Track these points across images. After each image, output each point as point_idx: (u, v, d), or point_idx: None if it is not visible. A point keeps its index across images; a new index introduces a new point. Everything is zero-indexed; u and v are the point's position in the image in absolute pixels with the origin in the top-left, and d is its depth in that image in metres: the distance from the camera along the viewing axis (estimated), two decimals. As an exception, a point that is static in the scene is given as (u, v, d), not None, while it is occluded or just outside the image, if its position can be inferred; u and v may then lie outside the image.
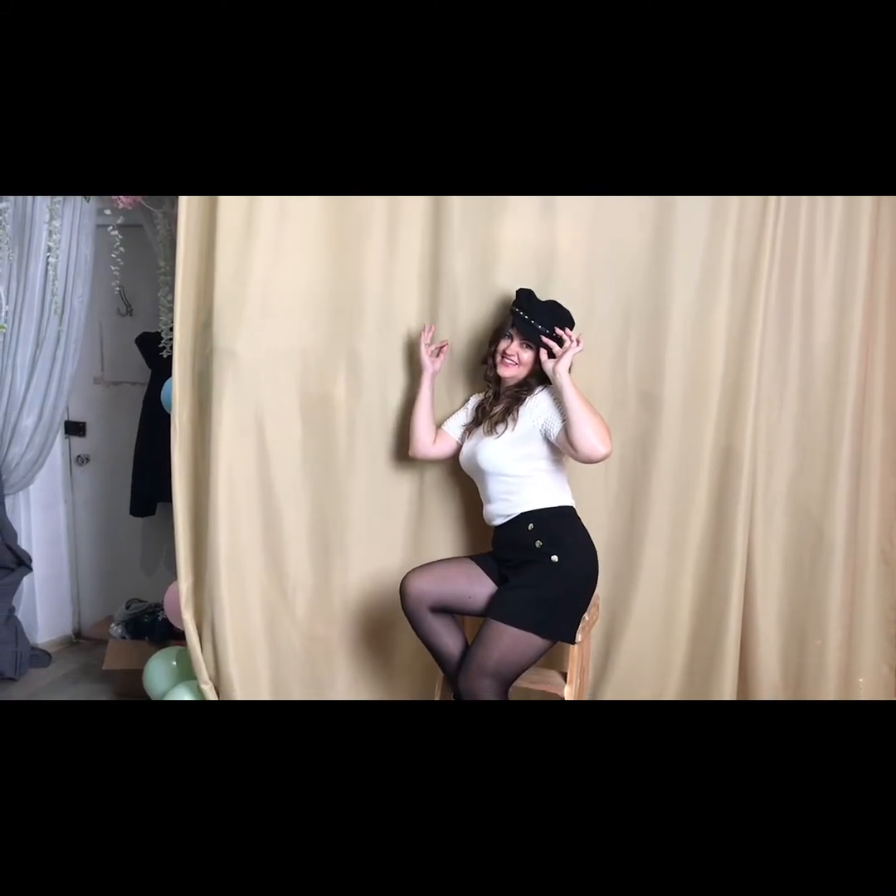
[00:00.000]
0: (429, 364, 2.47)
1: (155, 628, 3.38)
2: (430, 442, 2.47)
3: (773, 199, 2.40)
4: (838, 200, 2.43)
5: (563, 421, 2.17)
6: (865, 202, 2.41)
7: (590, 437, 2.12)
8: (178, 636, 3.27)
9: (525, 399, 2.28)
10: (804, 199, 2.45)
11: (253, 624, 2.63)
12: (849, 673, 2.55)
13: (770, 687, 2.56)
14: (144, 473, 3.68)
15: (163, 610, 3.46)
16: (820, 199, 2.44)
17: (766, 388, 2.50)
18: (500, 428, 2.26)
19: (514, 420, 2.26)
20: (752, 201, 2.41)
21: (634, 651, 2.61)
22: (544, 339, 2.23)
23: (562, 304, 2.33)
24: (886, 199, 2.44)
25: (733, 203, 2.41)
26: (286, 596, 2.67)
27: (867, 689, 2.56)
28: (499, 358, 2.32)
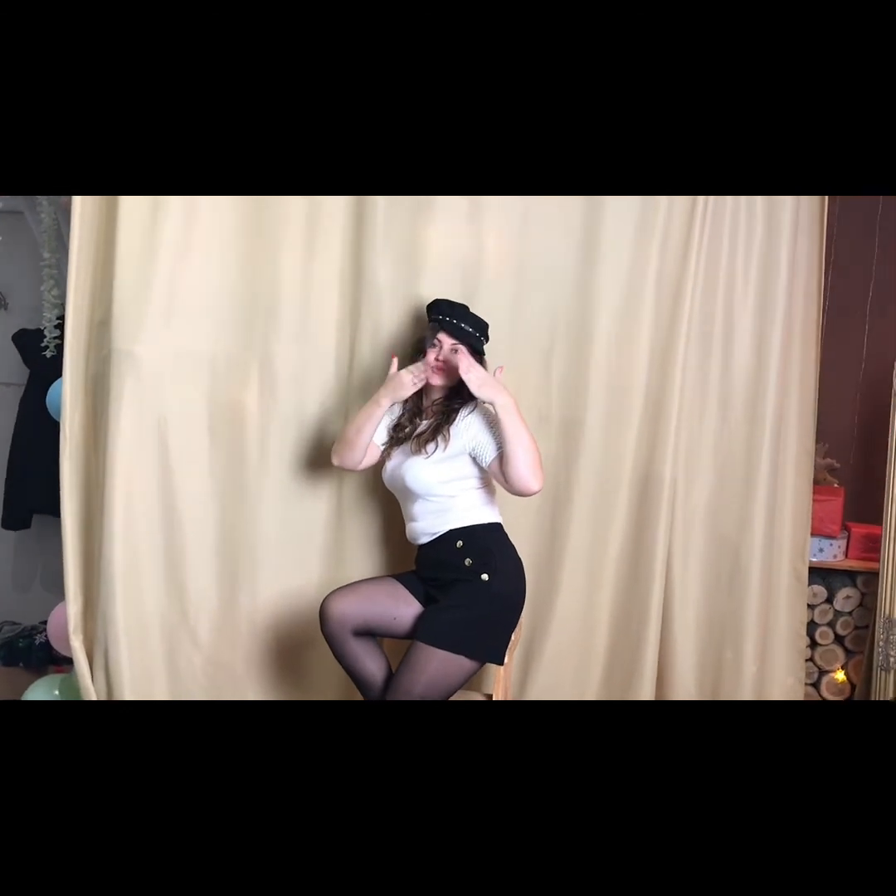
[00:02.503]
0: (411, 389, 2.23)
1: (32, 653, 3.11)
2: (363, 456, 2.30)
3: (699, 212, 2.44)
4: (759, 218, 2.50)
5: (499, 450, 2.11)
6: (785, 222, 2.49)
7: (526, 476, 2.06)
8: (59, 662, 3.01)
9: (454, 418, 2.20)
10: (727, 216, 2.51)
11: (151, 649, 2.43)
12: (761, 684, 2.60)
13: (686, 699, 2.58)
14: (20, 483, 3.38)
15: (40, 633, 3.19)
16: (742, 218, 2.51)
17: (687, 408, 2.53)
18: (429, 447, 2.17)
19: (445, 440, 2.17)
20: (679, 213, 2.44)
21: (553, 667, 2.58)
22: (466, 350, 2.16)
23: (482, 316, 2.27)
24: (803, 223, 2.52)
25: (660, 215, 2.43)
26: (188, 618, 2.48)
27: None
28: (431, 369, 2.22)
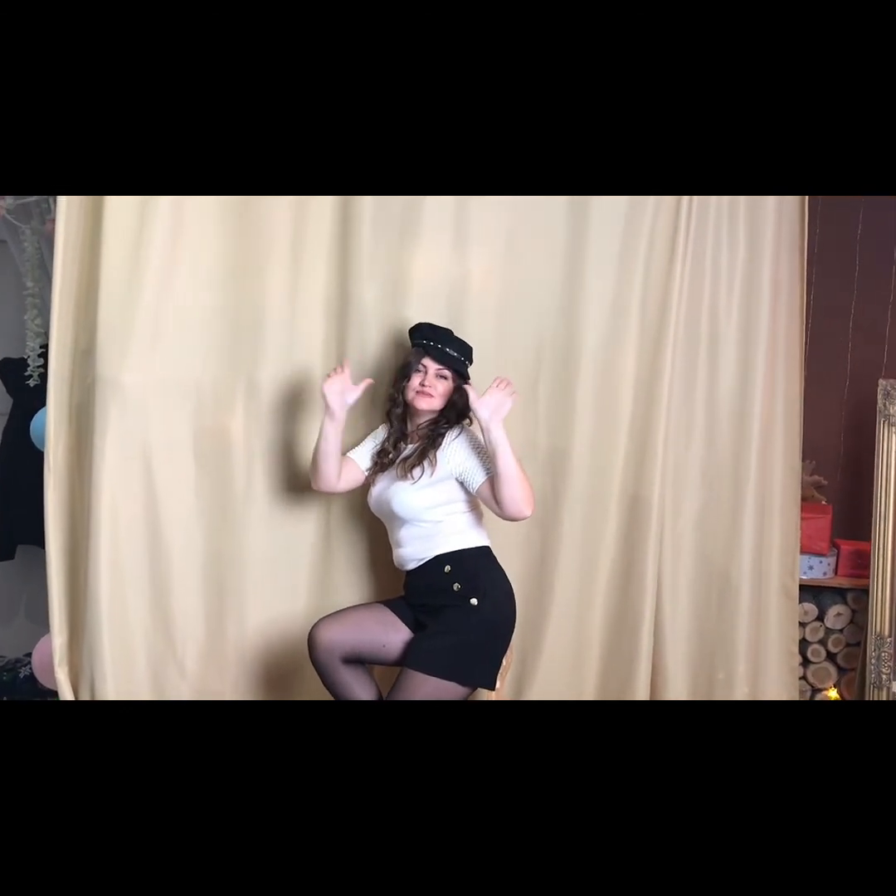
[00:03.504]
0: (338, 408, 2.19)
1: (16, 687, 3.05)
2: (335, 476, 2.28)
3: (681, 234, 2.46)
4: (741, 238, 2.52)
5: (488, 474, 2.11)
6: (767, 240, 2.52)
7: (518, 500, 2.07)
8: (44, 695, 2.96)
9: (440, 442, 2.19)
10: (710, 237, 2.53)
11: (138, 680, 2.39)
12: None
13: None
14: (3, 513, 3.33)
15: (24, 666, 3.14)
16: (724, 238, 2.53)
17: (674, 427, 2.54)
18: (415, 472, 2.15)
19: (432, 465, 2.16)
20: (660, 236, 2.46)
21: (545, 691, 2.56)
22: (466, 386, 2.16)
23: (467, 341, 2.28)
24: (785, 242, 2.54)
25: (642, 239, 2.45)
26: (175, 648, 2.44)
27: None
28: (411, 394, 2.21)
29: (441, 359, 2.19)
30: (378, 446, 2.30)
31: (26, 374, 2.96)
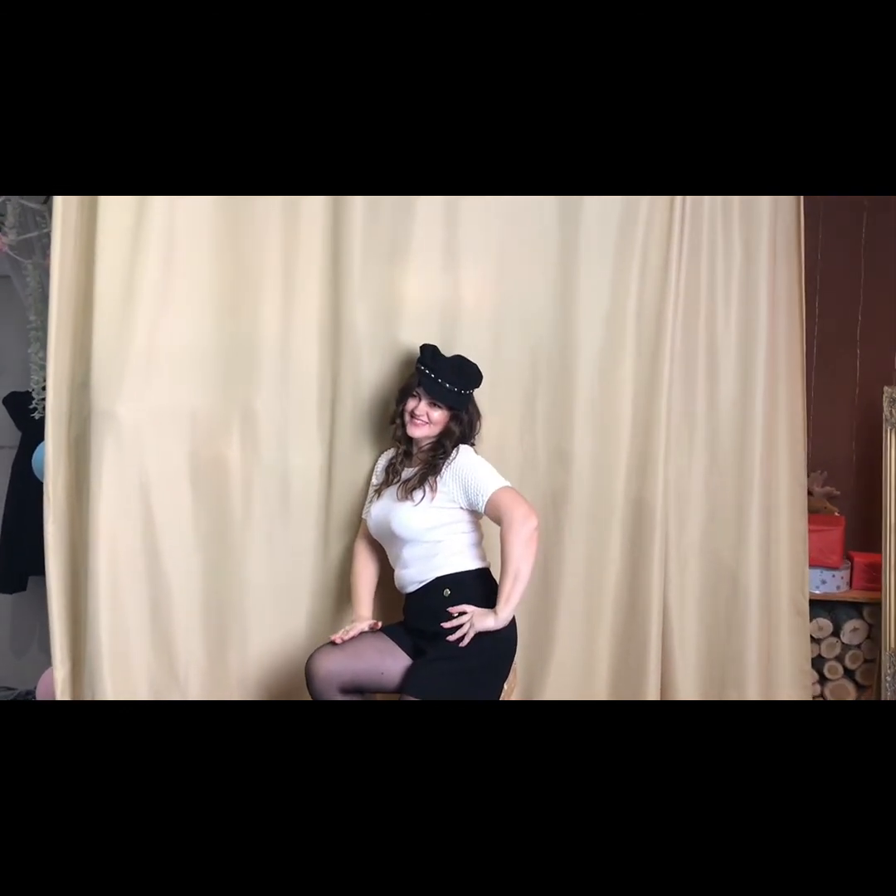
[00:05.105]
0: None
1: (26, 719, 3.04)
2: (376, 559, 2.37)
3: (675, 242, 2.43)
4: (737, 246, 2.49)
5: (488, 496, 2.12)
6: (763, 249, 2.48)
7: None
8: (54, 727, 2.96)
9: (441, 467, 2.17)
10: (704, 246, 2.49)
11: (140, 712, 2.38)
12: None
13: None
14: (14, 545, 3.37)
15: (35, 698, 3.14)
16: (720, 252, 2.49)
17: (675, 439, 2.51)
18: (416, 495, 2.14)
19: (432, 489, 2.14)
20: (655, 245, 2.43)
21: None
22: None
23: (468, 358, 2.26)
24: (781, 247, 2.51)
25: (636, 248, 2.43)
26: (178, 677, 2.43)
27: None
28: (407, 418, 2.20)
29: (431, 390, 2.17)
30: (387, 461, 2.31)
31: (31, 407, 2.99)
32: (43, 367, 2.98)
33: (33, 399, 2.97)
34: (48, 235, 2.87)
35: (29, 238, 2.95)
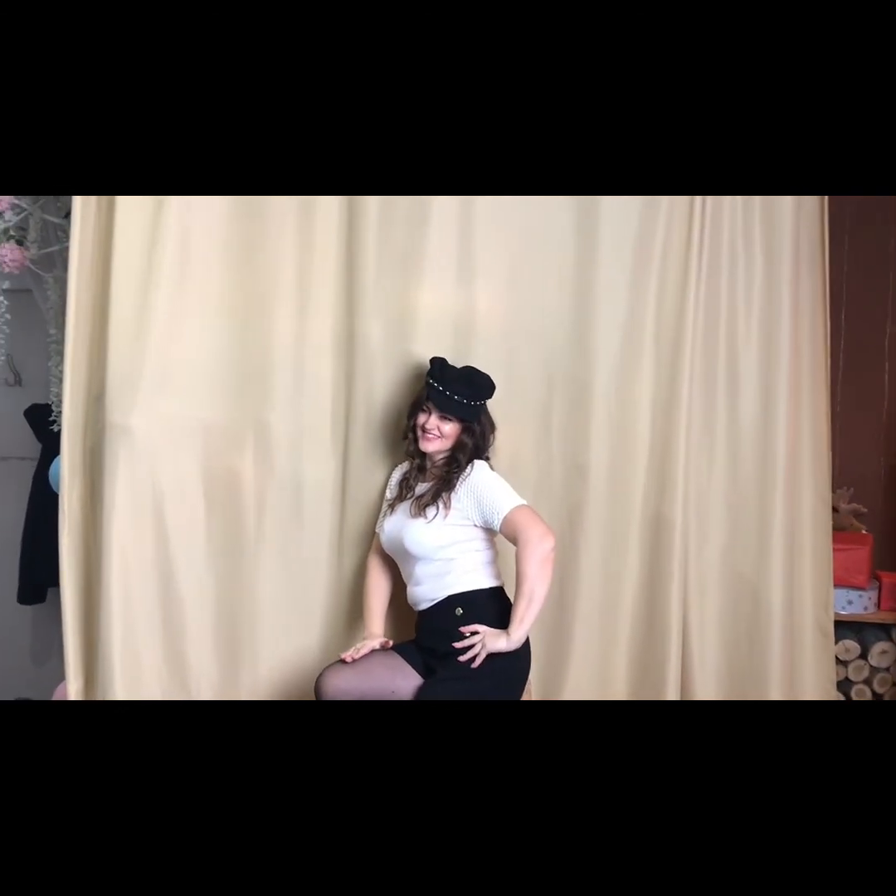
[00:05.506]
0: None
1: (43, 731, 3.05)
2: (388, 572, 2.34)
3: (695, 253, 2.38)
4: (758, 257, 2.44)
5: (505, 513, 2.09)
6: (786, 259, 2.43)
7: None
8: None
9: (456, 483, 2.14)
10: (725, 260, 2.44)
11: (152, 726, 2.37)
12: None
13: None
14: (34, 556, 3.38)
15: (52, 709, 3.15)
16: (741, 264, 2.44)
17: (695, 456, 2.46)
18: (430, 512, 2.11)
19: (446, 506, 2.11)
20: (674, 255, 2.39)
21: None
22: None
23: (480, 369, 2.23)
24: (804, 257, 2.45)
25: (655, 259, 2.39)
26: (189, 690, 2.42)
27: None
28: (419, 432, 2.18)
29: (441, 404, 2.14)
30: (402, 475, 2.29)
31: (51, 419, 3.00)
32: (62, 380, 3.01)
33: (53, 411, 2.99)
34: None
35: (50, 252, 2.97)
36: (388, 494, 2.33)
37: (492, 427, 2.25)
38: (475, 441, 2.19)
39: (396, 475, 2.34)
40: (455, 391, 2.13)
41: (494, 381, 2.24)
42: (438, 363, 2.19)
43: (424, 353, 2.34)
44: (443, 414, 2.15)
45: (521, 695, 2.12)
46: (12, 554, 3.44)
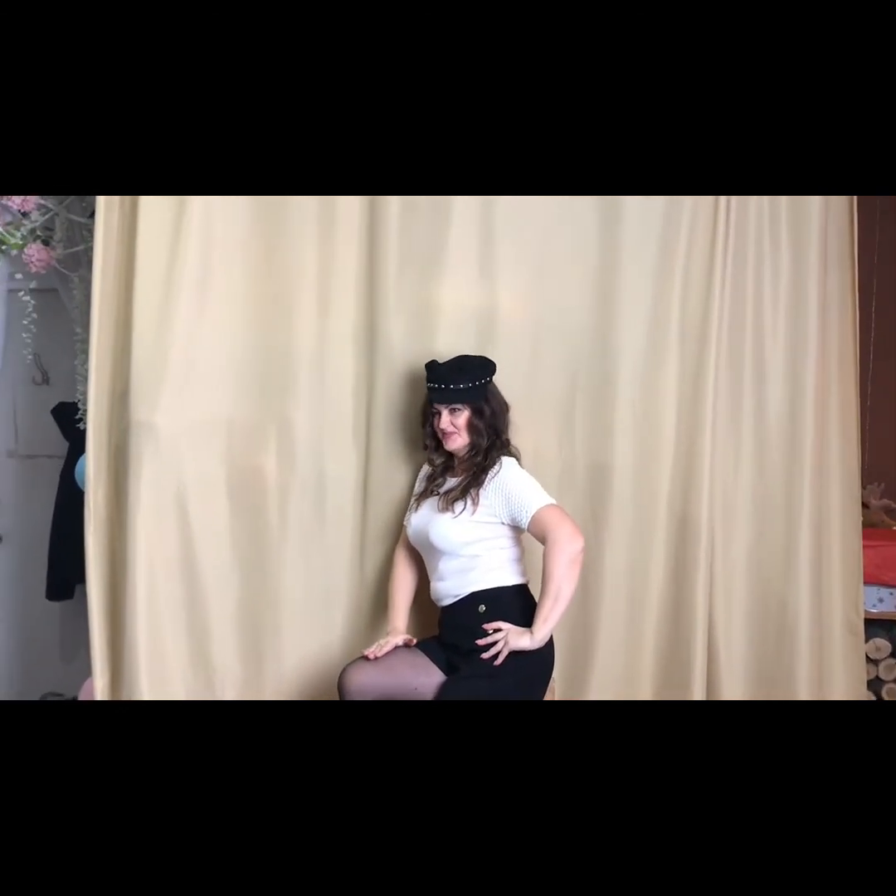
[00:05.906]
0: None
1: (71, 726, 3.08)
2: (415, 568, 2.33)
3: (720, 250, 2.35)
4: (784, 253, 2.40)
5: (534, 512, 2.08)
6: (813, 256, 2.39)
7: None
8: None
9: (484, 480, 2.13)
10: (751, 256, 2.41)
11: (177, 722, 2.38)
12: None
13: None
14: (62, 553, 3.42)
15: (80, 705, 3.18)
16: (767, 258, 2.40)
17: (721, 453, 2.42)
18: (457, 507, 2.11)
19: (474, 502, 2.11)
20: (699, 252, 2.36)
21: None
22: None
23: (490, 360, 2.23)
24: (833, 253, 2.41)
25: (679, 256, 2.36)
26: (213, 688, 2.43)
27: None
28: (441, 436, 2.19)
29: (443, 398, 2.14)
30: (427, 472, 2.29)
31: (77, 417, 3.03)
32: (88, 378, 3.04)
33: (79, 409, 3.02)
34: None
35: (76, 251, 3.00)
36: (417, 487, 2.33)
37: (505, 406, 2.23)
38: (487, 421, 2.17)
39: (427, 468, 2.33)
40: (451, 381, 2.14)
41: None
42: (430, 365, 2.21)
43: (446, 350, 2.33)
44: (451, 407, 2.15)
45: (543, 694, 2.11)
46: (41, 551, 3.47)
